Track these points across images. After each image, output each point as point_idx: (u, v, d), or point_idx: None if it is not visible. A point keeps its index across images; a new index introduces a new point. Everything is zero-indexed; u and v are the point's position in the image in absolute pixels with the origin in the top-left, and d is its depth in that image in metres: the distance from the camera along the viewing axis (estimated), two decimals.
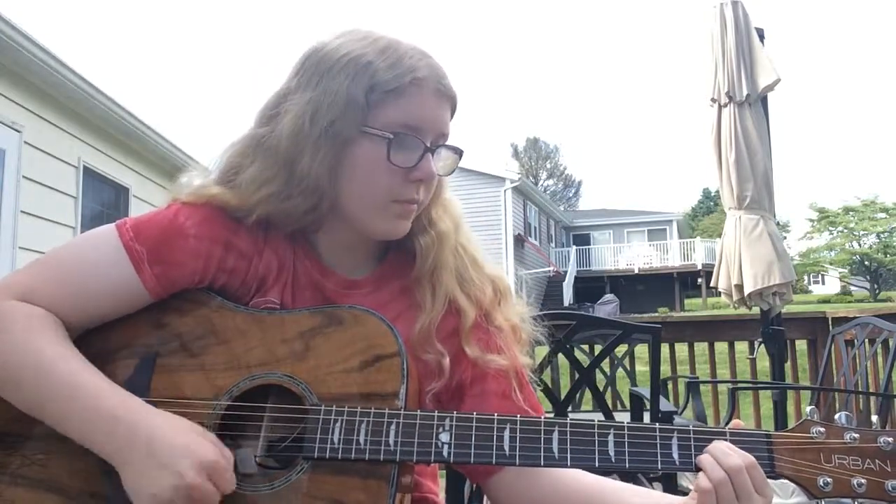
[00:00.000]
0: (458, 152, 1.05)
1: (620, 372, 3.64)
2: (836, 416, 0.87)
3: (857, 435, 0.85)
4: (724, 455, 0.84)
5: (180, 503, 0.82)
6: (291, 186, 0.98)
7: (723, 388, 4.36)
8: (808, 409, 0.89)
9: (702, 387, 3.66)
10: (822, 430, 0.86)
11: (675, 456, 0.87)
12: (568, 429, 0.89)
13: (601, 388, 2.65)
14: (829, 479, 0.84)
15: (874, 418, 0.89)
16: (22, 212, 5.79)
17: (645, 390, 2.76)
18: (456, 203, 1.13)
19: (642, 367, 3.90)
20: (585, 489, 0.96)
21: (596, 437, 0.88)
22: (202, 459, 0.83)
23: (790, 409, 4.29)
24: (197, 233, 0.98)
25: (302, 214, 1.00)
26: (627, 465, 0.87)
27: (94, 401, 0.87)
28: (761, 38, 3.81)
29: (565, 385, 2.93)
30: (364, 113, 0.95)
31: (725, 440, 0.86)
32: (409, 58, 0.97)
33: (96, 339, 0.96)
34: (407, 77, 0.96)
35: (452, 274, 1.06)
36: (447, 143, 1.03)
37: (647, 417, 2.71)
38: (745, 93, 3.72)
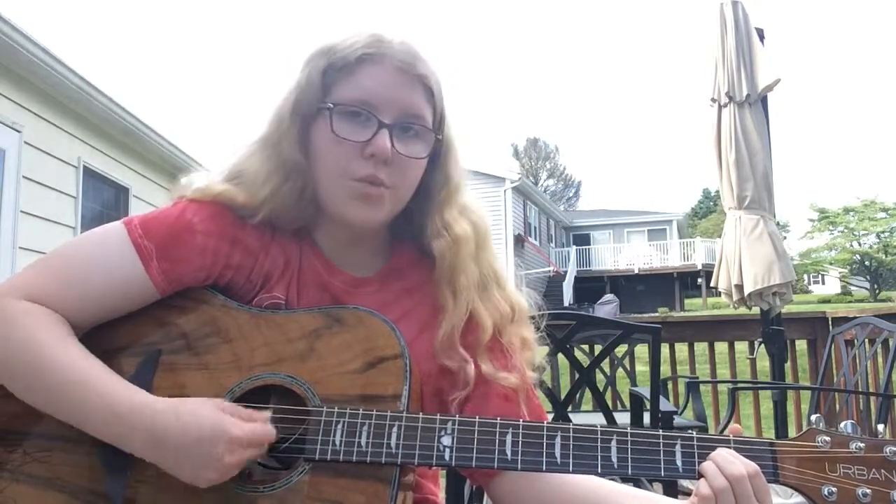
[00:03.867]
0: (431, 134, 1.02)
1: (620, 372, 3.65)
2: (842, 425, 0.86)
3: (862, 444, 0.84)
4: (727, 463, 0.83)
5: (234, 473, 0.85)
6: (283, 174, 1.00)
7: (723, 388, 4.36)
8: (814, 417, 0.88)
9: (702, 387, 3.66)
10: (827, 438, 0.85)
11: (679, 463, 0.86)
12: (571, 434, 0.88)
13: (601, 388, 2.64)
14: (833, 489, 0.83)
15: (880, 427, 0.88)
16: (22, 212, 5.79)
17: (645, 390, 2.76)
18: (478, 210, 1.11)
19: (642, 367, 3.90)
20: (588, 492, 0.96)
21: (599, 443, 0.87)
22: (229, 437, 0.84)
23: (790, 409, 4.28)
24: (204, 229, 0.98)
25: (295, 203, 1.01)
26: (630, 472, 0.86)
27: (110, 402, 0.87)
28: (761, 38, 3.81)
29: (565, 385, 2.93)
30: (321, 92, 0.99)
31: (729, 448, 0.86)
32: (369, 37, 0.99)
33: (100, 336, 0.96)
34: (356, 53, 0.98)
35: (475, 282, 1.05)
36: (421, 124, 1.01)
37: (647, 417, 2.71)
38: (745, 93, 3.72)
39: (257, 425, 0.87)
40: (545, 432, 0.89)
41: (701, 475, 0.84)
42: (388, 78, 0.98)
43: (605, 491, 0.96)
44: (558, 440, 0.88)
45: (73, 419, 0.88)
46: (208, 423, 0.85)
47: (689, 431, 0.90)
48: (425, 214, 1.07)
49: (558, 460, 0.87)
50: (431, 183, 1.06)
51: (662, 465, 0.86)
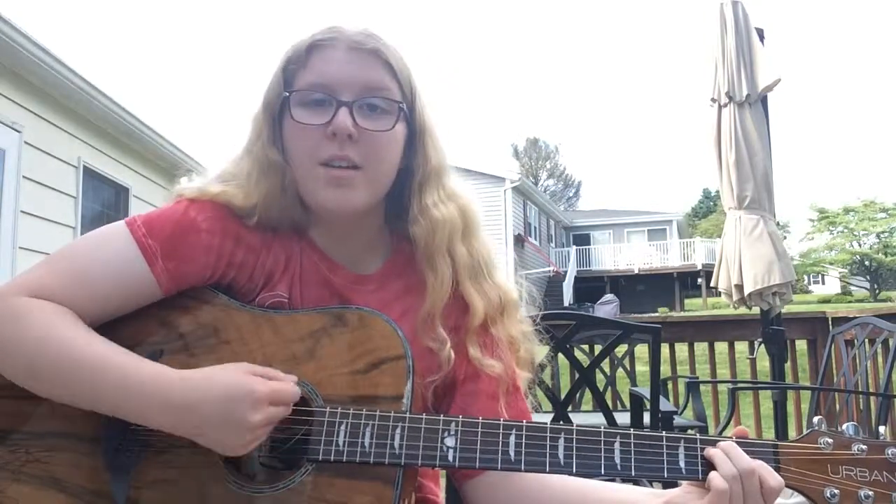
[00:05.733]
0: (396, 105, 1.01)
1: (620, 372, 3.65)
2: (844, 427, 0.87)
3: (864, 446, 0.84)
4: (737, 454, 0.84)
5: (263, 436, 0.86)
6: (264, 173, 1.01)
7: (723, 388, 4.36)
8: (816, 419, 0.88)
9: (702, 387, 3.66)
10: (829, 440, 0.86)
11: (682, 464, 0.87)
12: (574, 435, 0.88)
13: (601, 388, 2.65)
14: (836, 491, 0.83)
15: (882, 429, 0.88)
16: (22, 212, 5.79)
17: (645, 390, 2.76)
18: (467, 196, 1.11)
19: (642, 367, 3.90)
20: (569, 489, 0.96)
21: (602, 444, 0.88)
22: (256, 396, 0.85)
23: (790, 408, 4.29)
24: (209, 227, 0.99)
25: (279, 200, 1.01)
26: (633, 473, 0.86)
27: (123, 376, 0.88)
28: (761, 38, 3.81)
29: (565, 385, 2.93)
30: (283, 88, 1.02)
31: None
32: (321, 28, 1.02)
33: (103, 336, 0.95)
34: (306, 43, 1.01)
35: (462, 263, 1.05)
36: (384, 97, 1.00)
37: (647, 417, 2.71)
38: (745, 93, 3.72)
39: (281, 382, 0.88)
40: (548, 433, 0.89)
41: (710, 463, 0.85)
42: (342, 58, 1.00)
43: (589, 488, 0.96)
44: (561, 441, 0.88)
45: (88, 401, 0.89)
46: (230, 380, 0.86)
47: (690, 431, 0.90)
48: (408, 200, 1.07)
49: (561, 461, 0.87)
50: (412, 165, 1.06)
51: (665, 467, 0.87)
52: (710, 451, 0.86)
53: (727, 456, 0.85)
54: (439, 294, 1.04)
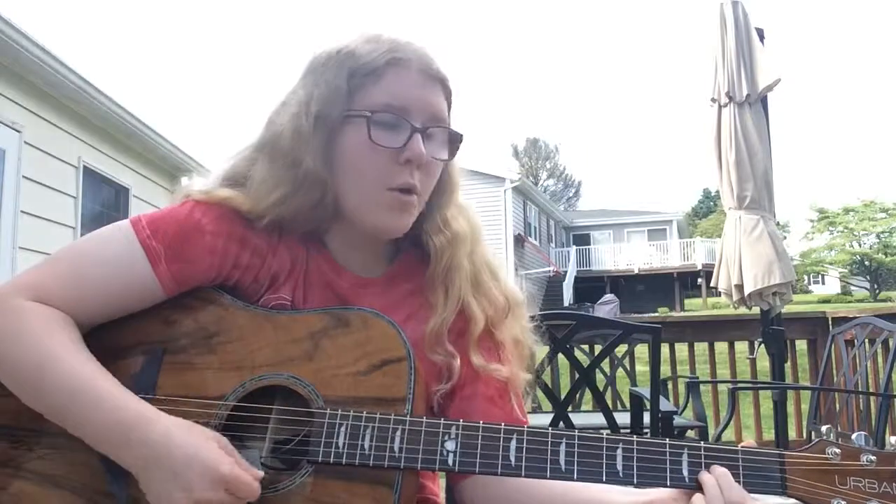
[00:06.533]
0: (457, 137, 1.03)
1: (620, 372, 3.65)
2: (854, 437, 0.85)
3: (874, 457, 0.82)
4: (728, 485, 0.81)
5: None
6: (298, 183, 0.98)
7: (723, 388, 4.37)
8: (824, 428, 0.86)
9: (702, 387, 3.66)
10: (837, 451, 0.83)
11: (685, 473, 0.85)
12: (576, 441, 0.87)
13: (601, 388, 2.65)
14: (843, 502, 0.81)
15: (892, 439, 0.84)
16: (22, 212, 5.79)
17: (645, 390, 2.76)
18: (472, 209, 1.12)
19: (642, 367, 3.90)
20: (564, 489, 0.95)
21: (604, 451, 0.86)
22: (217, 473, 0.81)
23: (790, 408, 4.29)
24: (214, 229, 0.98)
25: (309, 210, 1.00)
26: (635, 481, 0.85)
27: (108, 410, 0.86)
28: (761, 38, 3.82)
29: (565, 385, 2.93)
30: (347, 98, 0.97)
31: (737, 458, 0.85)
32: (389, 42, 0.98)
33: (105, 334, 0.96)
34: (384, 57, 0.97)
35: (467, 278, 1.06)
36: (446, 126, 1.01)
37: (647, 417, 2.72)
38: (745, 93, 3.72)
39: (245, 475, 0.83)
40: (550, 439, 0.87)
41: (699, 485, 0.83)
42: (415, 81, 0.98)
43: (579, 487, 0.95)
44: (563, 447, 0.87)
45: (69, 425, 0.88)
46: (201, 444, 0.83)
47: (690, 431, 0.89)
48: (427, 212, 1.06)
49: (562, 468, 0.86)
50: (438, 182, 1.06)
51: (668, 475, 0.85)
52: (704, 477, 0.83)
53: (718, 484, 0.82)
54: (451, 308, 1.03)
